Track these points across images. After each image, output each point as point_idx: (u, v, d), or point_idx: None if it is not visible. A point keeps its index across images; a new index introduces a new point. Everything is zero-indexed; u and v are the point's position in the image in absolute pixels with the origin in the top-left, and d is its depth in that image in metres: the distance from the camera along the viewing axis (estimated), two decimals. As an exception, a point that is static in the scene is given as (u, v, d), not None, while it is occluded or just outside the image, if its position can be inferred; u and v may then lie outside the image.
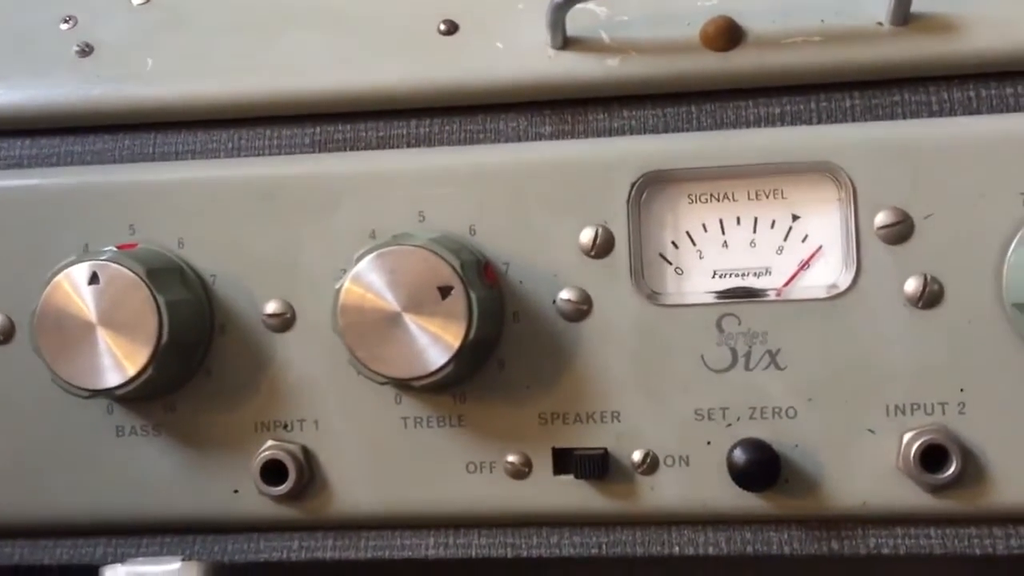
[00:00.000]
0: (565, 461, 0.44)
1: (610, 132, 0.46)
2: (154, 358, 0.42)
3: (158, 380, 0.43)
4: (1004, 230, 0.42)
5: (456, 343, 0.41)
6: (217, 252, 0.46)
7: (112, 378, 0.42)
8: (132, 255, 0.44)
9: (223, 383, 0.46)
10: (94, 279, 0.43)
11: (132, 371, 0.42)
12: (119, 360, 0.42)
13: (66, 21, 0.50)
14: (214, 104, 0.48)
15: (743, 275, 0.45)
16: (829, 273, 0.44)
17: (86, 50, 0.49)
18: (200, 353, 0.46)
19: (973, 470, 0.42)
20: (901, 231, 0.43)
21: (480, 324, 0.42)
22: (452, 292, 0.41)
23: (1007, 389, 0.42)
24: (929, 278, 0.43)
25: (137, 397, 0.44)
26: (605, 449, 0.44)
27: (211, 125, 0.48)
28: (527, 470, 0.45)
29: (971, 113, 0.44)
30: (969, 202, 0.43)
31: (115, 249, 0.45)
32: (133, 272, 0.42)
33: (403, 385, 0.43)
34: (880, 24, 0.45)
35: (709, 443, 0.44)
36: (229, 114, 0.48)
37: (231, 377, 0.46)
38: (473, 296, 0.42)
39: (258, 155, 0.48)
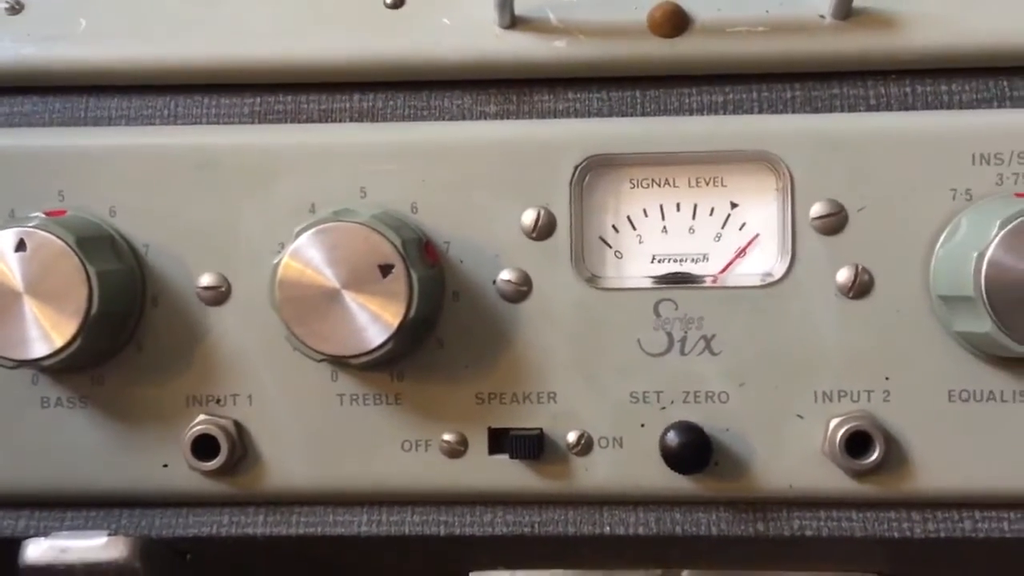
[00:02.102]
0: (501, 441, 0.45)
1: (555, 114, 0.46)
2: (83, 329, 0.41)
3: (87, 352, 0.42)
4: (933, 224, 0.44)
5: (395, 322, 0.41)
6: (151, 222, 0.45)
7: (39, 348, 0.41)
8: (61, 222, 0.42)
9: (154, 356, 0.45)
10: (21, 246, 0.41)
11: (60, 342, 0.41)
12: (46, 331, 0.41)
13: (-6, -24, 0.48)
14: (150, 68, 0.46)
15: (681, 261, 0.45)
16: (765, 261, 0.45)
17: (16, 7, 0.47)
18: (131, 325, 0.45)
19: (895, 456, 0.44)
20: (835, 222, 0.44)
21: (420, 303, 0.42)
22: (393, 270, 0.41)
23: (930, 379, 0.43)
24: (860, 269, 0.44)
25: (64, 368, 0.43)
26: (541, 430, 0.44)
27: (147, 90, 0.47)
28: (463, 449, 0.45)
29: (907, 108, 0.45)
30: (901, 196, 0.44)
31: (43, 215, 0.43)
32: (62, 240, 0.41)
33: (340, 362, 0.42)
34: (822, 17, 0.45)
35: (643, 425, 0.44)
36: (166, 79, 0.47)
37: (163, 350, 0.45)
38: (414, 275, 0.41)
39: (195, 123, 0.47)
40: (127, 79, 0.47)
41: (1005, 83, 0.45)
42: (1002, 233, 0.40)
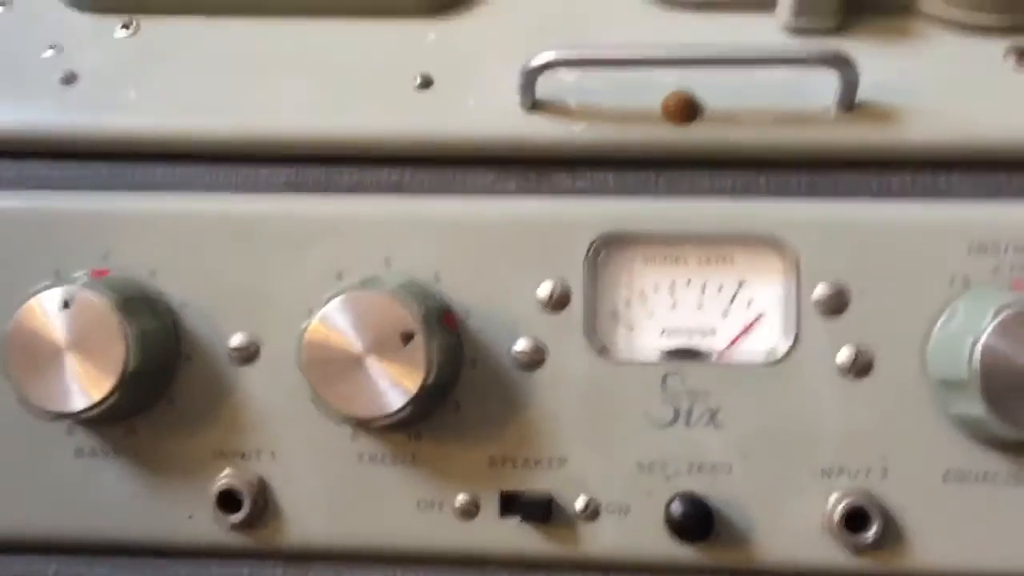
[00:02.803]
0: (512, 504, 0.46)
1: (572, 192, 0.49)
2: (120, 385, 0.43)
3: (122, 406, 0.45)
4: (931, 309, 0.46)
5: (414, 388, 0.43)
6: (187, 283, 0.48)
7: (78, 402, 0.43)
8: (105, 283, 0.45)
9: (185, 411, 0.47)
10: (66, 305, 0.44)
11: (97, 397, 0.43)
12: (85, 386, 0.43)
13: (51, 48, 0.52)
14: (194, 139, 0.50)
15: (689, 335, 0.47)
16: (769, 339, 0.47)
17: (70, 78, 0.51)
18: (164, 381, 0.47)
19: (892, 533, 0.45)
20: (837, 304, 0.46)
21: (439, 370, 0.44)
22: (414, 338, 0.43)
23: (927, 458, 0.45)
24: (861, 350, 0.46)
25: (99, 421, 0.46)
26: (550, 494, 0.46)
27: (189, 159, 0.50)
28: (475, 510, 0.47)
29: (907, 198, 0.48)
30: (901, 281, 0.46)
31: (88, 275, 0.46)
32: (105, 300, 0.44)
33: (361, 424, 0.44)
34: (827, 109, 0.48)
35: (649, 494, 0.46)
36: (208, 150, 0.50)
37: (193, 405, 0.47)
38: (434, 343, 0.44)
39: (234, 192, 0.49)
40: (171, 148, 0.50)
41: (1003, 177, 0.47)
42: (996, 321, 0.42)
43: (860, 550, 0.45)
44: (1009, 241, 0.45)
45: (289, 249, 0.48)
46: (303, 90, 0.50)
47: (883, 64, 0.49)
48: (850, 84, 0.47)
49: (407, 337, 0.43)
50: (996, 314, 0.42)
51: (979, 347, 0.42)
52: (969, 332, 0.43)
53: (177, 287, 0.48)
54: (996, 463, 0.45)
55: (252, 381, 0.47)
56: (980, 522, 0.45)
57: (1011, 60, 0.49)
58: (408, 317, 0.43)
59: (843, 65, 0.46)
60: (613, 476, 0.46)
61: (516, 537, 0.46)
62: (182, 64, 0.51)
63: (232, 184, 0.50)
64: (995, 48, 0.49)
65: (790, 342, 0.46)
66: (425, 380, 0.43)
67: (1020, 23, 0.49)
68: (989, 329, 0.42)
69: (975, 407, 0.42)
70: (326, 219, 0.48)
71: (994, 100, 0.48)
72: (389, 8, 0.52)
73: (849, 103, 0.48)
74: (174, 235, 0.48)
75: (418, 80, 0.50)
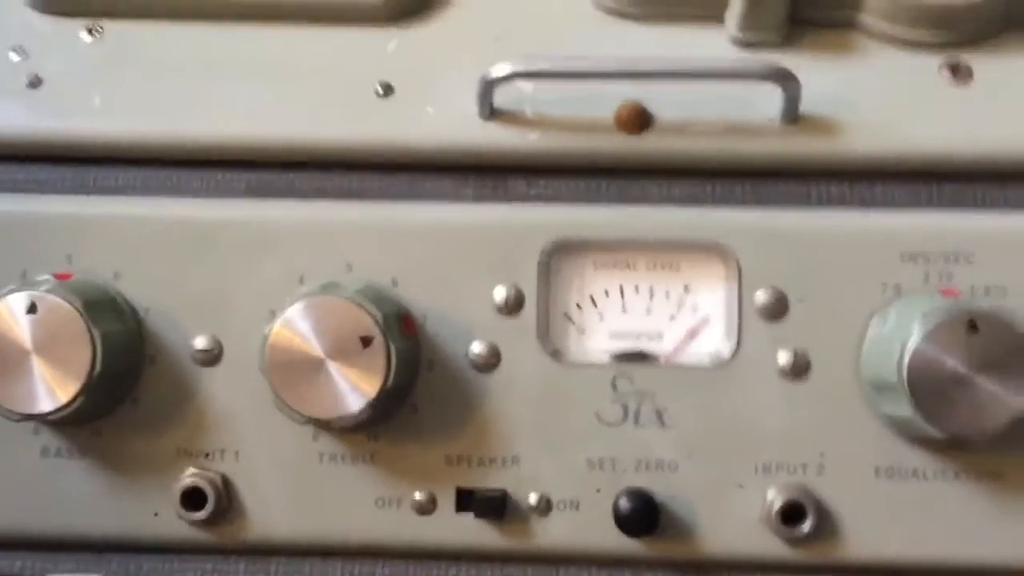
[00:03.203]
0: (467, 500, 0.48)
1: (527, 200, 0.50)
2: (86, 388, 0.45)
3: (88, 407, 0.46)
4: (865, 314, 0.48)
5: (374, 391, 0.45)
6: (151, 287, 0.49)
7: (45, 404, 0.45)
8: (70, 287, 0.46)
9: (149, 412, 0.49)
10: (32, 309, 0.45)
11: (64, 399, 0.45)
12: (52, 388, 0.44)
13: (17, 52, 0.52)
14: (156, 144, 0.51)
15: (638, 338, 0.50)
16: (713, 342, 0.49)
17: (35, 82, 0.51)
18: (130, 382, 0.48)
19: (827, 526, 0.48)
20: (777, 309, 0.48)
21: (397, 373, 0.45)
22: (373, 342, 0.45)
23: (859, 456, 0.48)
24: (799, 353, 0.48)
25: (66, 422, 0.47)
26: (504, 491, 0.48)
27: (152, 164, 0.51)
28: (432, 507, 0.48)
29: (845, 207, 0.50)
30: (837, 287, 0.48)
31: (53, 279, 0.47)
32: (70, 304, 0.45)
33: (321, 425, 0.46)
34: (772, 121, 0.50)
35: (598, 490, 0.48)
36: (170, 155, 0.51)
37: (157, 406, 0.49)
38: (392, 347, 0.45)
39: (195, 196, 0.50)
40: (136, 153, 0.51)
41: (935, 188, 0.50)
42: (923, 328, 0.45)
43: (796, 542, 0.47)
44: (938, 250, 0.48)
45: (251, 253, 0.49)
46: (266, 95, 0.51)
47: (825, 77, 0.51)
48: (793, 98, 0.49)
49: (367, 341, 0.45)
50: (923, 321, 0.45)
51: (907, 352, 0.45)
52: (898, 337, 0.45)
53: (141, 290, 0.49)
54: (924, 460, 0.47)
55: (215, 382, 0.49)
56: (909, 515, 0.47)
57: (945, 75, 0.52)
58: (368, 322, 0.45)
59: (786, 80, 0.48)
60: (564, 473, 0.48)
61: (471, 532, 0.48)
62: (146, 69, 0.52)
63: (194, 189, 0.51)
64: (931, 63, 0.52)
65: (733, 345, 0.48)
66: (384, 383, 0.45)
67: (954, 39, 0.52)
68: (916, 335, 0.45)
69: (903, 408, 0.45)
70: (287, 224, 0.49)
71: (929, 113, 0.50)
72: (351, 15, 0.53)
73: (792, 116, 0.50)
74: (138, 239, 0.49)
75: (379, 88, 0.52)
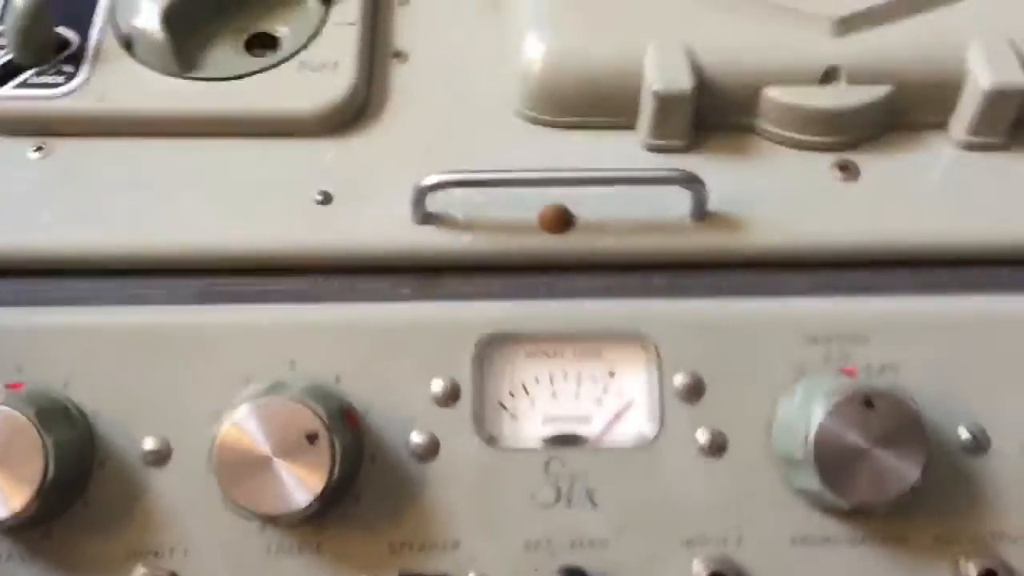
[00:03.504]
0: (411, 585, 0.51)
1: (461, 297, 0.54)
2: (38, 495, 0.46)
3: (39, 513, 0.47)
4: (774, 394, 0.52)
5: (320, 486, 0.47)
6: (101, 391, 0.51)
7: (-2, 512, 0.46)
8: (22, 397, 0.48)
9: (99, 513, 0.50)
10: (-16, 419, 0.46)
11: (17, 507, 0.46)
12: (6, 496, 0.46)
13: (-35, 170, 0.54)
14: (105, 256, 0.53)
15: (568, 423, 0.53)
16: (638, 424, 0.53)
17: (-16, 198, 0.54)
18: (80, 486, 0.50)
19: (749, 595, 0.51)
20: (695, 391, 0.52)
21: (342, 467, 0.48)
22: (318, 439, 0.48)
23: (776, 526, 0.51)
24: (716, 432, 0.52)
25: (17, 528, 0.48)
26: (446, 574, 0.51)
27: (102, 274, 0.53)
28: (378, 593, 0.51)
29: (752, 295, 0.54)
30: (749, 369, 0.52)
31: (5, 389, 0.49)
32: (23, 415, 0.46)
33: (269, 520, 0.48)
34: (683, 219, 0.55)
35: (536, 569, 0.51)
36: (119, 265, 0.53)
37: (107, 508, 0.50)
38: (337, 443, 0.48)
39: (144, 304, 0.53)
40: (84, 264, 0.53)
41: (832, 276, 0.55)
42: (825, 406, 0.49)
43: (721, 611, 0.51)
44: (836, 332, 0.53)
45: (199, 356, 0.51)
46: (211, 206, 0.54)
47: (729, 178, 0.56)
48: (700, 199, 0.54)
49: (312, 438, 0.47)
50: (825, 400, 0.49)
51: (811, 429, 0.49)
52: (804, 415, 0.49)
53: (91, 396, 0.51)
54: (835, 528, 0.51)
55: (164, 482, 0.50)
56: (823, 581, 0.51)
57: (836, 173, 0.57)
58: (312, 420, 0.48)
59: (693, 184, 0.53)
60: (503, 555, 0.51)
61: (415, 615, 0.50)
62: (93, 184, 0.54)
63: (142, 296, 0.53)
64: (822, 162, 0.57)
65: (656, 427, 0.52)
66: (329, 478, 0.47)
67: (842, 140, 0.58)
68: (820, 412, 0.49)
69: (812, 482, 0.49)
70: (234, 327, 0.52)
71: (822, 208, 0.56)
72: (290, 129, 0.57)
73: (700, 214, 0.55)
74: (87, 346, 0.51)
75: (318, 196, 0.55)
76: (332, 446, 0.47)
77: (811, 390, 0.51)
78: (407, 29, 0.63)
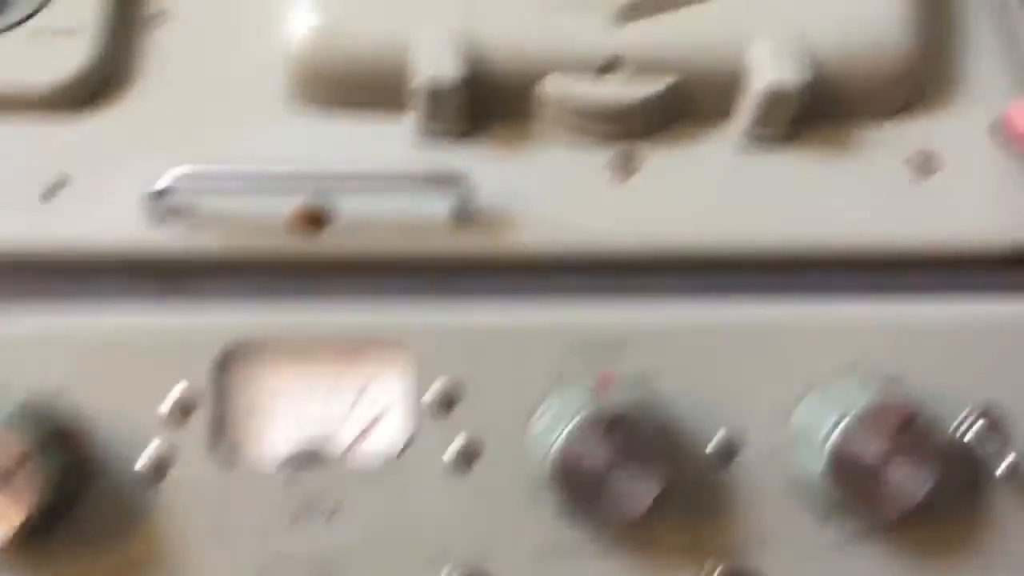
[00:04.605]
0: (141, 609, 0.48)
1: (204, 300, 0.50)
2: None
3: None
4: (532, 405, 0.51)
5: (17, 520, 0.44)
6: None
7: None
8: None
9: None
10: None
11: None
12: None
13: None
14: None
15: (313, 438, 0.50)
16: (387, 437, 0.51)
17: None
18: None
19: (502, 609, 0.50)
20: (451, 399, 0.50)
21: (54, 493, 0.45)
22: (27, 463, 0.44)
23: (524, 538, 0.50)
24: (470, 442, 0.50)
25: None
26: (180, 596, 0.49)
27: None
28: (106, 617, 0.48)
29: (518, 299, 0.52)
30: (504, 378, 0.51)
31: None
32: None
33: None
34: (446, 219, 0.52)
35: (280, 589, 0.49)
36: None
37: None
38: (50, 464, 0.44)
39: None
40: None
41: (598, 279, 0.53)
42: (570, 425, 0.48)
43: (468, 626, 0.50)
44: (596, 339, 0.51)
45: None
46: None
47: (501, 172, 0.53)
48: (464, 199, 0.51)
49: (14, 469, 0.44)
50: (572, 417, 0.48)
51: (556, 445, 0.47)
52: (553, 430, 0.48)
53: None
54: (581, 542, 0.51)
55: None
56: (571, 592, 0.51)
57: (611, 169, 0.55)
58: (18, 443, 0.44)
59: (456, 185, 0.50)
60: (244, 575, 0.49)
61: (147, 639, 0.48)
62: None
63: None
64: (600, 157, 0.55)
65: (406, 440, 0.50)
66: (29, 513, 0.44)
67: (623, 133, 0.55)
68: (565, 431, 0.48)
69: (555, 500, 0.48)
70: None
71: (592, 207, 0.53)
72: (17, 106, 0.51)
73: (464, 215, 0.52)
74: None
75: (47, 184, 0.50)
76: (37, 475, 0.44)
77: (563, 403, 0.49)
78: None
